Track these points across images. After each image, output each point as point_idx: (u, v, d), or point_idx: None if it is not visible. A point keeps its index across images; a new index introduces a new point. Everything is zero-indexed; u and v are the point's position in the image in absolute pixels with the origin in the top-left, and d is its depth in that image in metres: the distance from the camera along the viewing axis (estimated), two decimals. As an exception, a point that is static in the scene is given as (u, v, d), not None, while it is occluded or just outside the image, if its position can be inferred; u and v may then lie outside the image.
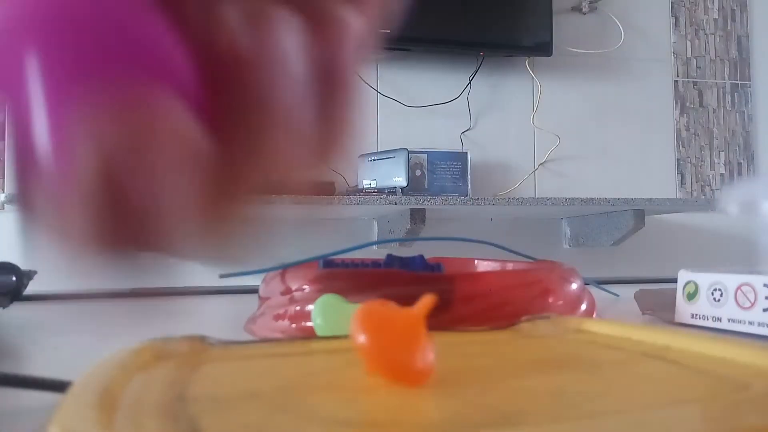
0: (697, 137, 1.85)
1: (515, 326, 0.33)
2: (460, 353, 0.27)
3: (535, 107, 1.73)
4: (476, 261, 0.59)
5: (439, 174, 1.52)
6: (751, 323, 0.41)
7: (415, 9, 1.40)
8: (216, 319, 0.59)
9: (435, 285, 0.40)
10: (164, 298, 0.81)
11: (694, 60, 1.87)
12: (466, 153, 1.56)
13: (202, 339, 0.27)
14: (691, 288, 0.46)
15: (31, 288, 0.57)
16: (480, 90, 1.70)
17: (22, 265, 0.54)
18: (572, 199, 1.35)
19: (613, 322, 0.31)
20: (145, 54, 0.10)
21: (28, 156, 0.10)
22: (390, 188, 1.43)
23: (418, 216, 1.32)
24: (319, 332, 0.34)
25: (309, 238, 1.57)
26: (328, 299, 0.35)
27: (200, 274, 1.64)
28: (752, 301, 0.41)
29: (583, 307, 0.45)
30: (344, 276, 0.42)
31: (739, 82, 1.89)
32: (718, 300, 0.44)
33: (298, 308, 0.40)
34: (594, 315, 0.46)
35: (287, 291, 0.43)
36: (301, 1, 0.11)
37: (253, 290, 0.66)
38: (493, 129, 1.71)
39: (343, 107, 0.11)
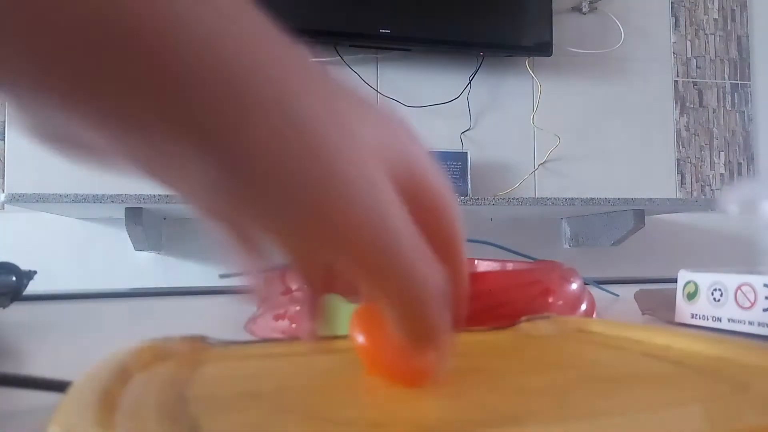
0: (697, 137, 1.85)
1: (515, 326, 0.33)
2: (460, 353, 0.27)
3: (535, 107, 1.73)
4: (476, 261, 0.59)
5: (439, 174, 1.52)
6: (751, 323, 0.41)
7: (415, 9, 1.40)
8: (216, 319, 0.59)
9: (435, 285, 0.40)
10: (164, 298, 0.81)
11: (694, 60, 1.87)
12: (466, 153, 1.56)
13: (202, 339, 0.27)
14: (691, 288, 0.46)
15: (31, 288, 0.57)
16: (480, 90, 1.70)
17: (22, 265, 0.54)
18: (572, 199, 1.35)
19: (613, 322, 0.31)
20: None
21: None
22: (390, 188, 1.43)
23: (418, 216, 1.32)
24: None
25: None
26: (328, 299, 0.35)
27: (200, 274, 1.62)
28: (752, 301, 0.41)
29: (583, 307, 0.45)
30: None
31: (739, 82, 1.89)
32: (718, 300, 0.44)
33: (298, 308, 0.40)
34: (594, 315, 0.46)
35: (287, 291, 0.42)
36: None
37: (253, 290, 0.66)
38: (493, 129, 1.71)
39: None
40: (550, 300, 0.42)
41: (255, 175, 0.16)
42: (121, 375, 0.21)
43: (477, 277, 0.51)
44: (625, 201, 1.39)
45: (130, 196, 1.17)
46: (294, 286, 0.42)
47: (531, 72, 1.73)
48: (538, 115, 1.73)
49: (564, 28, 1.75)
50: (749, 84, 1.90)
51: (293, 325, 0.40)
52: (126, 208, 1.21)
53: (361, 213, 0.17)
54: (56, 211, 1.33)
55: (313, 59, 0.20)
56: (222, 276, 0.38)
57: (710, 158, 1.86)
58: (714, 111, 1.87)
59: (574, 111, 1.77)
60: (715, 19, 1.90)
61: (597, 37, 1.79)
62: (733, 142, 1.87)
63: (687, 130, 1.85)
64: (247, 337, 0.44)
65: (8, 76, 0.15)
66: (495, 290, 0.40)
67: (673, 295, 0.48)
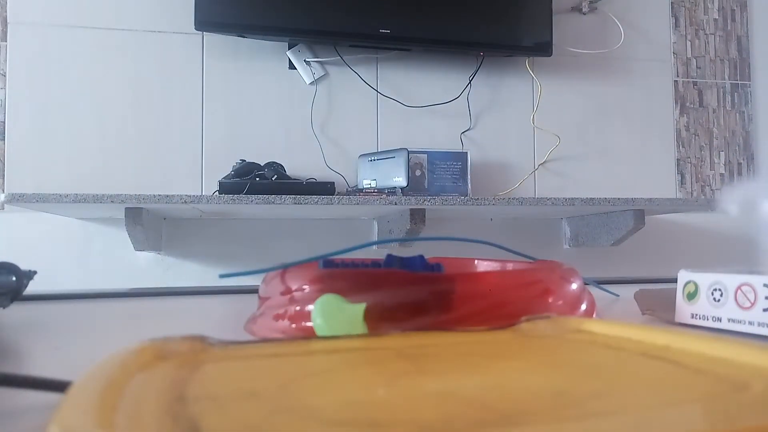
0: (697, 137, 1.85)
1: (515, 326, 0.33)
2: (460, 353, 0.27)
3: (535, 107, 1.73)
4: (476, 261, 0.59)
5: (439, 174, 1.52)
6: (751, 323, 0.41)
7: (415, 9, 1.40)
8: (216, 319, 0.59)
9: (435, 285, 0.40)
10: (164, 298, 0.81)
11: (694, 60, 1.87)
12: (466, 153, 1.56)
13: (202, 339, 0.27)
14: (691, 288, 0.46)
15: (31, 288, 0.57)
16: (480, 90, 1.70)
17: (22, 265, 0.54)
18: (572, 199, 1.35)
19: (613, 322, 0.31)
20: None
21: None
22: (390, 188, 1.43)
23: (418, 216, 1.32)
24: (319, 332, 0.34)
25: (309, 238, 1.57)
26: (328, 299, 0.35)
27: (200, 274, 1.61)
28: (752, 301, 0.41)
29: (583, 307, 0.45)
30: (344, 276, 0.41)
31: (739, 82, 1.89)
32: (718, 300, 0.44)
33: (298, 308, 0.40)
34: (594, 315, 0.46)
35: (287, 291, 0.42)
36: None
37: (253, 290, 0.66)
38: (493, 129, 1.71)
39: None
40: (550, 300, 0.42)
41: None
42: (121, 375, 0.21)
43: (477, 277, 0.51)
44: (625, 201, 1.39)
45: (130, 196, 1.17)
46: (294, 286, 0.42)
47: (531, 72, 1.73)
48: (538, 115, 1.73)
49: (564, 28, 1.75)
50: (749, 84, 1.90)
51: (293, 325, 0.40)
52: (126, 208, 1.21)
53: None
54: (56, 211, 1.33)
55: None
56: (222, 276, 0.38)
57: (710, 158, 1.86)
58: (714, 111, 1.87)
59: (574, 111, 1.77)
60: (715, 19, 1.90)
61: (597, 37, 1.79)
62: (733, 142, 1.87)
63: (687, 130, 1.85)
64: (247, 337, 0.44)
65: None
66: (495, 290, 0.40)
67: (673, 295, 0.48)
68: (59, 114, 1.49)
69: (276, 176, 1.39)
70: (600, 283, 0.72)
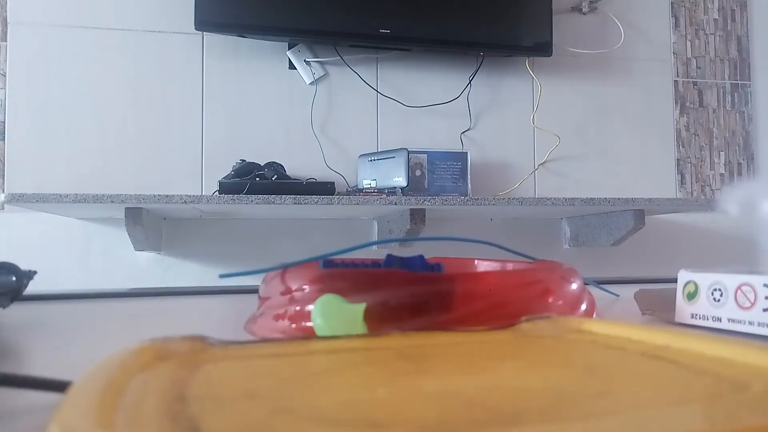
0: (697, 137, 1.85)
1: (515, 326, 0.33)
2: (460, 353, 0.27)
3: (535, 107, 1.73)
4: (476, 261, 0.59)
5: (439, 174, 1.52)
6: (751, 323, 0.41)
7: (415, 9, 1.40)
8: (216, 319, 0.59)
9: (435, 285, 0.40)
10: (164, 298, 0.81)
11: (694, 60, 1.87)
12: (466, 153, 1.56)
13: (202, 339, 0.27)
14: (691, 288, 0.46)
15: (31, 288, 0.57)
16: (480, 90, 1.70)
17: (22, 265, 0.54)
18: (572, 199, 1.35)
19: (613, 322, 0.31)
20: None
21: None
22: (390, 188, 1.43)
23: (418, 216, 1.32)
24: (319, 332, 0.34)
25: (309, 238, 1.57)
26: (328, 299, 0.35)
27: (200, 274, 1.61)
28: (752, 301, 0.41)
29: (583, 307, 0.45)
30: (344, 276, 0.41)
31: (739, 82, 1.89)
32: (718, 300, 0.44)
33: (298, 308, 0.40)
34: (594, 315, 0.46)
35: (287, 291, 0.42)
36: None
37: (253, 290, 0.66)
38: (493, 129, 1.71)
39: None
40: (550, 300, 0.42)
41: None
42: (121, 375, 0.21)
43: (477, 277, 0.51)
44: (625, 201, 1.39)
45: (130, 196, 1.17)
46: (294, 286, 0.42)
47: (531, 72, 1.73)
48: (538, 115, 1.73)
49: (564, 28, 1.75)
50: (749, 84, 1.90)
51: (293, 325, 0.40)
52: (126, 208, 1.21)
53: None
54: (56, 211, 1.33)
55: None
56: (222, 276, 0.38)
57: (710, 158, 1.86)
58: (714, 111, 1.87)
59: (574, 111, 1.77)
60: (715, 19, 1.90)
61: (597, 37, 1.79)
62: (733, 142, 1.87)
63: (687, 130, 1.85)
64: (247, 337, 0.44)
65: None
66: (495, 290, 0.40)
67: (673, 295, 0.48)
68: (59, 114, 1.49)
69: (276, 176, 1.39)
70: (600, 283, 0.72)
